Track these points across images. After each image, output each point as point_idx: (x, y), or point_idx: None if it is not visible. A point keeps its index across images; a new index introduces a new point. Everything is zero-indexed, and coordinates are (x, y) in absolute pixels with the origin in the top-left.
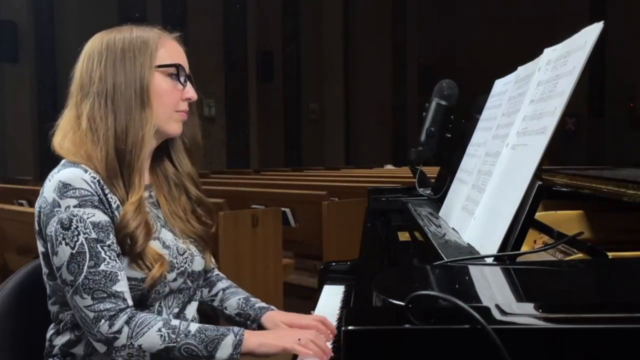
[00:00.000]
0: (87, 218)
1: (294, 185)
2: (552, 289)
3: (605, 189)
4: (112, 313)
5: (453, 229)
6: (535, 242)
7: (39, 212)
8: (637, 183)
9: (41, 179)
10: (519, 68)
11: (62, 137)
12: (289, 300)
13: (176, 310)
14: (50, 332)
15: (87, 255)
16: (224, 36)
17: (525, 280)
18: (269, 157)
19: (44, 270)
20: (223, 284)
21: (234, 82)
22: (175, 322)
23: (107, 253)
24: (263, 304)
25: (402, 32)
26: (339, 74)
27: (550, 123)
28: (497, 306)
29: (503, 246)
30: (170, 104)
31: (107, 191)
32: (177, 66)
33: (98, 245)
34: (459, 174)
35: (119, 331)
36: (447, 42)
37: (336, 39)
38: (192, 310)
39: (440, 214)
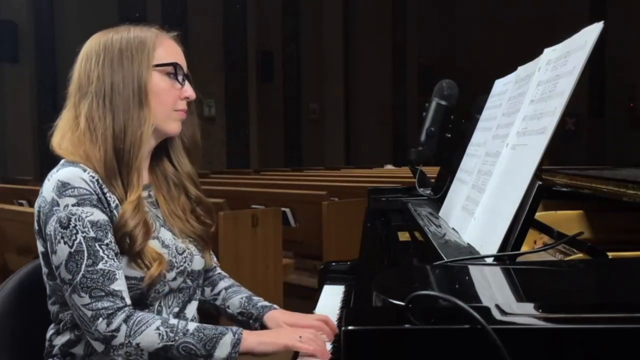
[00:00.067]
0: (86, 217)
1: (294, 185)
2: (552, 289)
3: (605, 189)
4: (110, 311)
5: (453, 229)
6: (535, 242)
7: (39, 211)
8: (637, 183)
9: (41, 179)
10: (519, 68)
11: (61, 137)
12: (289, 300)
13: (176, 309)
14: (50, 332)
15: (85, 254)
16: (224, 36)
17: (525, 280)
18: (269, 157)
19: (44, 270)
20: (225, 282)
21: (234, 82)
22: (173, 321)
23: (105, 252)
24: (266, 303)
25: (402, 32)
26: (339, 74)
27: (550, 123)
28: (497, 306)
29: (503, 246)
30: (169, 102)
31: (105, 190)
32: (175, 65)
33: (96, 244)
34: (459, 174)
35: (117, 329)
36: (447, 42)
37: (336, 39)
38: (192, 309)
39: (440, 214)
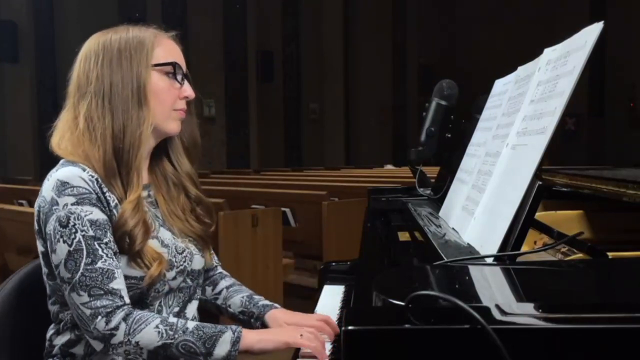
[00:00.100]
0: (85, 216)
1: (294, 185)
2: (552, 289)
3: (605, 189)
4: (108, 310)
5: (453, 229)
6: (535, 242)
7: (38, 211)
8: (637, 183)
9: (41, 179)
10: (519, 68)
11: (60, 137)
12: (289, 300)
13: (176, 309)
14: (50, 332)
15: (84, 253)
16: (224, 36)
17: (525, 280)
18: (269, 157)
19: (44, 270)
20: (226, 281)
21: (234, 82)
22: (173, 319)
23: (104, 251)
24: (267, 302)
25: (402, 32)
26: (339, 74)
27: (550, 123)
28: (497, 306)
29: (503, 246)
30: (168, 102)
31: (105, 190)
32: (174, 64)
33: (95, 243)
34: (459, 174)
35: (116, 328)
36: (447, 42)
37: (336, 39)
38: (192, 309)
39: (440, 214)
